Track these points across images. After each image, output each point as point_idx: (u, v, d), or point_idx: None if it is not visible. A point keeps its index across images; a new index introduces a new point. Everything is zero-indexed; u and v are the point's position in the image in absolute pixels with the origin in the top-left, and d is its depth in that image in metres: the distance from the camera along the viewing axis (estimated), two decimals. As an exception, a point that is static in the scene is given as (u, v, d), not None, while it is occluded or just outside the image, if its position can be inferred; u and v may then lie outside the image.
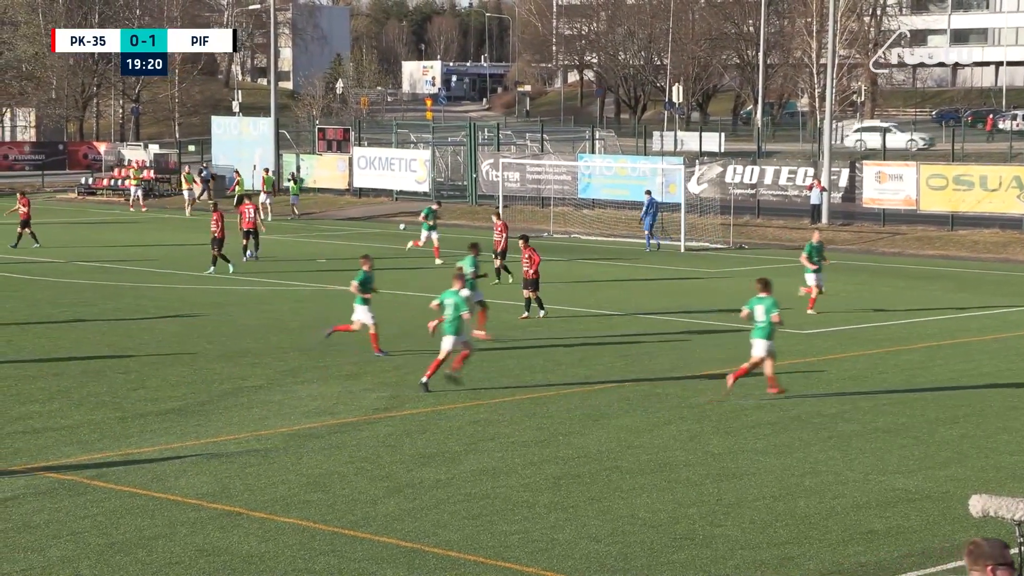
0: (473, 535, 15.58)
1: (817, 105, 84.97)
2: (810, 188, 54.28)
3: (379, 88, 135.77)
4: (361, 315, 26.66)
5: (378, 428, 20.76)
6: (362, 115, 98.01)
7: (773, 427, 20.84)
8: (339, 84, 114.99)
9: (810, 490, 17.41)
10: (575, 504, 16.82)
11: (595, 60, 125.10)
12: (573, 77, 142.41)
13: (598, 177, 57.68)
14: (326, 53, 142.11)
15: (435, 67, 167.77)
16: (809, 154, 60.95)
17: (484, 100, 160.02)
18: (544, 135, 68.67)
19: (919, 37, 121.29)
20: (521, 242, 31.86)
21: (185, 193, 63.00)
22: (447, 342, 23.38)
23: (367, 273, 26.72)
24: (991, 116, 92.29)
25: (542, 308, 31.33)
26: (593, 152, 64.39)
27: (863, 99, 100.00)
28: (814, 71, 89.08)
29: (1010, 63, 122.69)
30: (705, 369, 25.48)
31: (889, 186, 52.46)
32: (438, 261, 41.48)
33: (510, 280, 36.80)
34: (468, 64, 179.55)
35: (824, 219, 53.53)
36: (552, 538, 15.50)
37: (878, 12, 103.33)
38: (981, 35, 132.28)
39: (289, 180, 63.89)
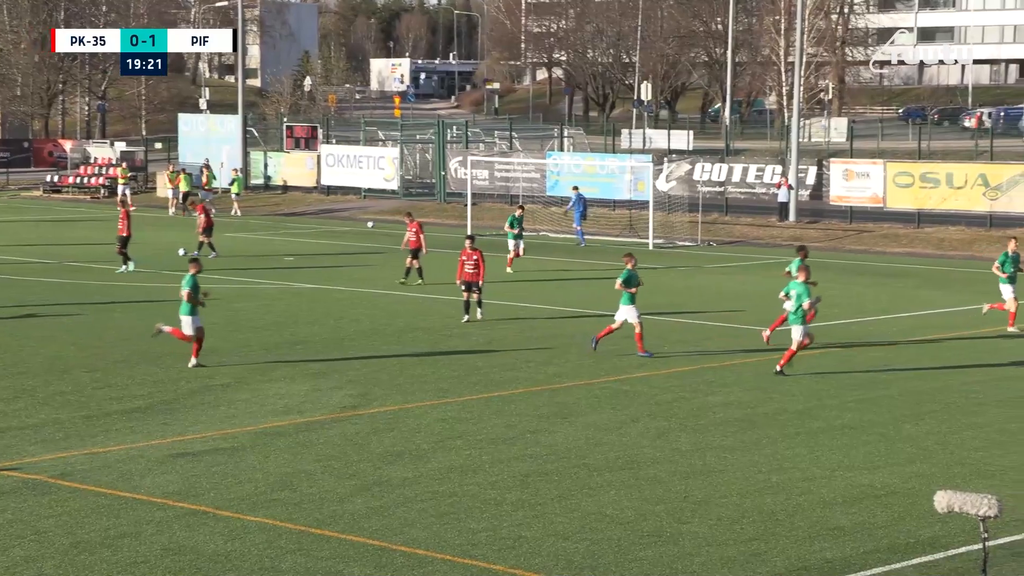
0: (440, 533, 15.57)
1: (785, 103, 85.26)
2: (778, 186, 54.47)
3: (347, 86, 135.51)
4: (626, 314, 26.31)
5: (346, 426, 20.73)
6: (330, 113, 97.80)
7: (740, 424, 20.90)
8: (307, 82, 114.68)
9: (777, 487, 17.47)
10: (543, 501, 16.83)
11: (564, 58, 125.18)
12: (542, 75, 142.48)
13: (567, 175, 57.73)
14: (294, 50, 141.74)
15: (404, 64, 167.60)
16: (777, 152, 61.16)
17: (453, 98, 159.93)
18: (513, 133, 68.68)
19: (886, 35, 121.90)
20: (468, 243, 30.89)
21: (169, 192, 62.54)
22: (796, 331, 24.19)
23: (631, 271, 26.43)
24: (979, 114, 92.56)
25: (480, 308, 30.39)
26: (562, 150, 64.45)
27: (831, 97, 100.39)
28: (782, 69, 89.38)
29: (976, 61, 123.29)
30: (675, 366, 25.52)
31: (856, 184, 52.69)
32: (509, 270, 39.59)
33: (419, 282, 36.45)
34: (437, 62, 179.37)
35: (792, 217, 53.73)
36: (519, 535, 15.51)
37: (845, 10, 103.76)
38: (947, 33, 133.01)
39: (233, 177, 62.63)
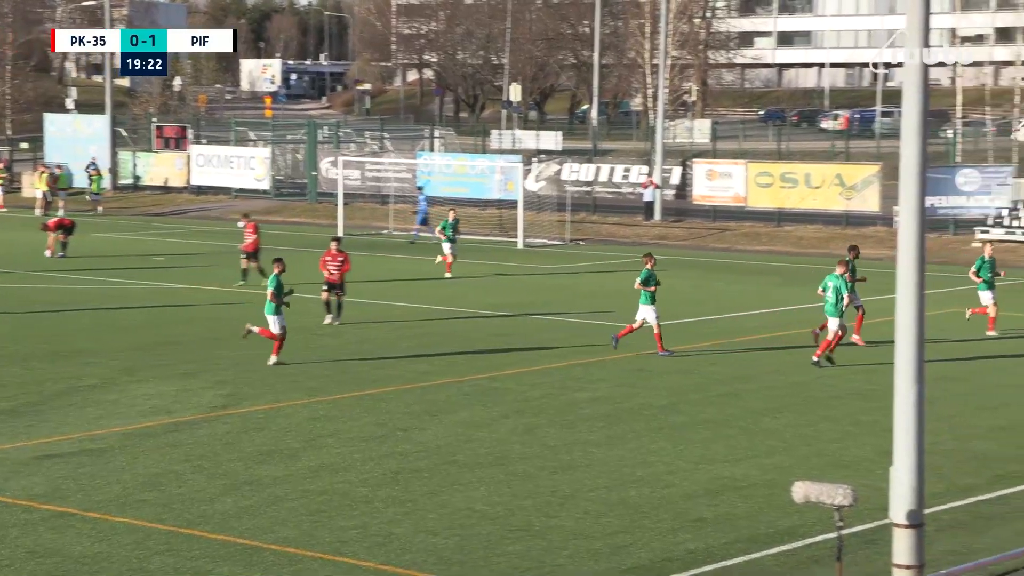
0: (311, 531, 15.47)
1: (650, 104, 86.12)
2: (644, 186, 55.01)
3: (218, 86, 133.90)
4: (645, 313, 26.20)
5: (216, 426, 20.49)
6: (200, 113, 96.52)
7: (607, 420, 21.07)
8: (176, 82, 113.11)
9: (642, 480, 17.65)
10: (413, 498, 16.81)
11: (434, 59, 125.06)
12: (413, 76, 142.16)
13: (438, 175, 57.68)
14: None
15: (274, 65, 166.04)
16: (643, 152, 61.75)
17: (324, 98, 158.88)
18: (384, 133, 68.41)
19: (746, 39, 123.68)
20: (333, 244, 30.14)
21: (37, 192, 61.02)
22: (832, 323, 24.95)
23: (650, 271, 26.28)
24: (847, 116, 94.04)
25: (339, 314, 29.70)
26: (433, 150, 64.37)
27: (694, 99, 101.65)
28: (647, 71, 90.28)
29: (832, 65, 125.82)
30: (542, 363, 25.64)
31: (719, 183, 53.42)
32: (448, 275, 38.26)
33: (264, 284, 35.83)
34: (308, 62, 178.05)
35: (657, 216, 54.28)
36: (390, 532, 15.47)
37: (708, 14, 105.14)
38: (805, 38, 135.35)
39: (90, 175, 61.21)
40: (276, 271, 25.81)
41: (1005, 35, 72.52)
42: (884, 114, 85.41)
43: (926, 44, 12.92)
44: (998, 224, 46.78)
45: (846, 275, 25.79)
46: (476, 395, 22.80)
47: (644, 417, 21.26)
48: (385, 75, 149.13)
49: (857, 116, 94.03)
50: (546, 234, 50.73)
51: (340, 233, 50.50)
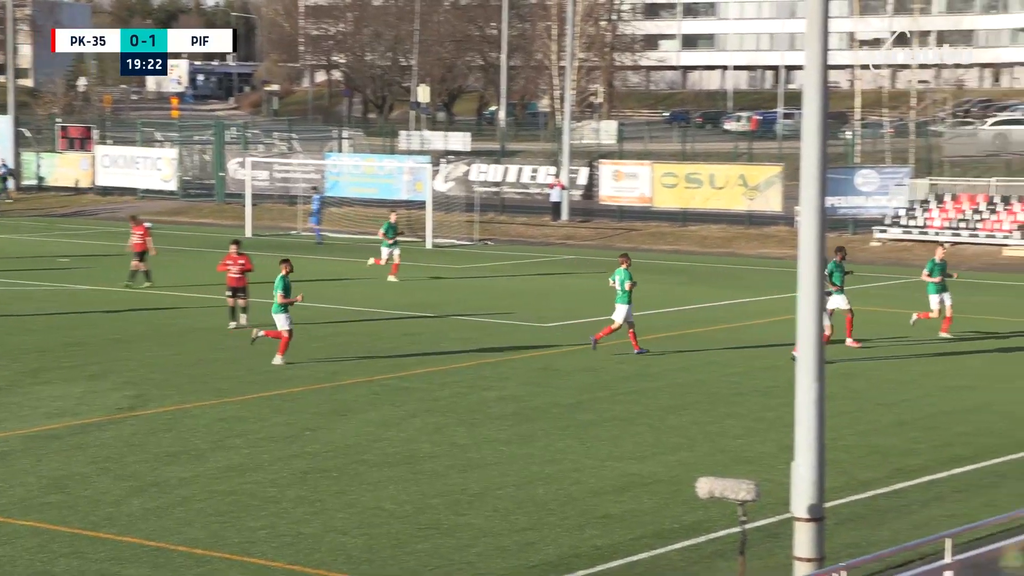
0: (219, 532, 15.33)
1: (557, 106, 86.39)
2: (551, 186, 55.19)
3: (123, 87, 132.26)
4: (622, 312, 26.33)
5: (122, 428, 20.23)
6: (106, 113, 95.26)
7: (515, 418, 21.10)
8: (81, 82, 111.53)
9: (550, 478, 17.70)
10: (322, 498, 16.72)
11: (342, 60, 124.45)
12: (321, 77, 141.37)
13: (346, 176, 57.44)
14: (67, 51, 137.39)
15: (181, 66, 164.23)
16: (550, 153, 61.94)
17: (231, 99, 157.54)
18: (292, 134, 67.97)
19: (651, 42, 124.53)
20: (233, 247, 29.66)
21: None
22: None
23: (626, 271, 26.54)
24: (755, 118, 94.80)
25: (243, 315, 29.01)
26: (341, 151, 64.06)
27: (601, 100, 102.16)
28: (554, 73, 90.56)
29: (735, 67, 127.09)
30: (451, 363, 25.62)
31: (625, 184, 53.73)
32: (392, 278, 37.58)
33: (146, 285, 35.69)
34: (215, 63, 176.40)
35: (565, 216, 54.47)
36: (299, 532, 15.38)
37: (613, 17, 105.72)
38: (709, 41, 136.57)
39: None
40: (284, 272, 25.72)
41: (901, 39, 73.76)
42: (786, 116, 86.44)
43: (826, 47, 13.10)
44: (895, 224, 47.54)
45: (843, 262, 26.64)
46: (385, 395, 22.73)
47: (552, 415, 21.32)
48: (293, 76, 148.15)
49: (759, 117, 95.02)
50: (454, 234, 50.72)
51: (248, 234, 50.19)
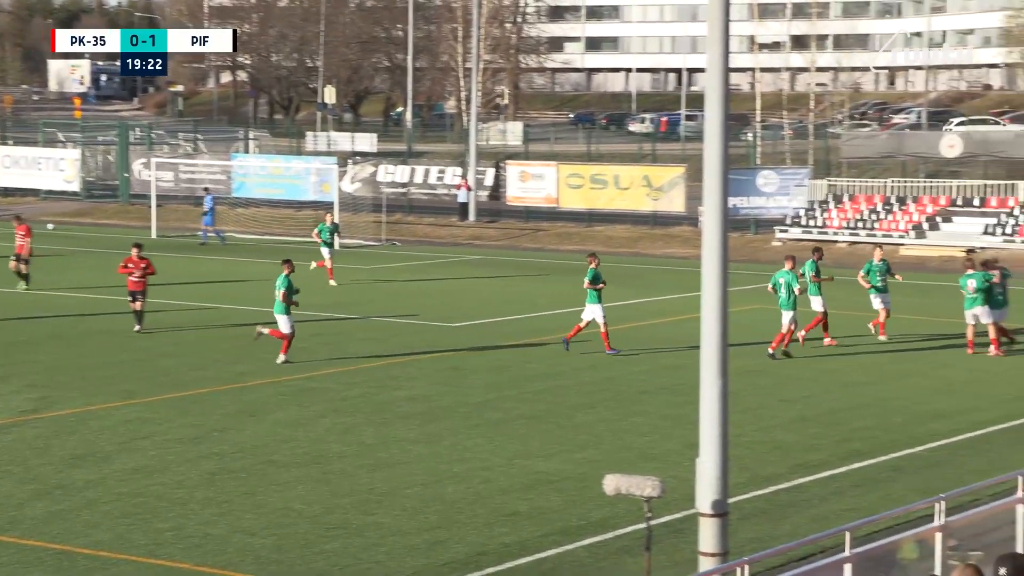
0: (125, 534, 15.15)
1: (464, 107, 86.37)
2: (458, 187, 55.19)
3: (24, 87, 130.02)
4: (593, 312, 26.30)
5: (25, 430, 19.91)
6: (6, 113, 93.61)
7: (423, 417, 21.08)
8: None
9: (458, 476, 17.70)
10: (229, 499, 16.58)
11: (248, 61, 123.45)
12: (226, 78, 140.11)
13: (253, 176, 56.98)
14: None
15: (83, 66, 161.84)
16: (457, 154, 61.92)
17: (136, 99, 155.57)
18: (198, 135, 67.27)
19: (556, 44, 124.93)
20: (135, 250, 28.70)
21: None
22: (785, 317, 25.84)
23: (596, 270, 26.34)
24: (665, 119, 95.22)
25: (140, 323, 28.24)
26: (247, 152, 63.51)
27: (507, 102, 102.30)
28: (460, 75, 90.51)
29: (639, 69, 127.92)
30: (359, 363, 25.53)
31: (532, 185, 53.87)
32: (332, 283, 36.54)
33: (23, 288, 35.06)
34: (118, 63, 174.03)
35: (472, 216, 54.49)
36: (206, 533, 15.24)
37: (518, 19, 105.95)
38: (612, 43, 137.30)
39: None
40: (286, 272, 25.67)
41: (799, 42, 74.67)
42: (688, 118, 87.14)
43: (727, 51, 13.24)
44: (796, 224, 48.15)
45: (795, 271, 26.62)
46: (293, 395, 22.60)
47: (460, 414, 21.33)
48: (198, 77, 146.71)
49: (663, 119, 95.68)
50: (362, 235, 50.51)
51: (154, 235, 49.60)
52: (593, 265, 26.76)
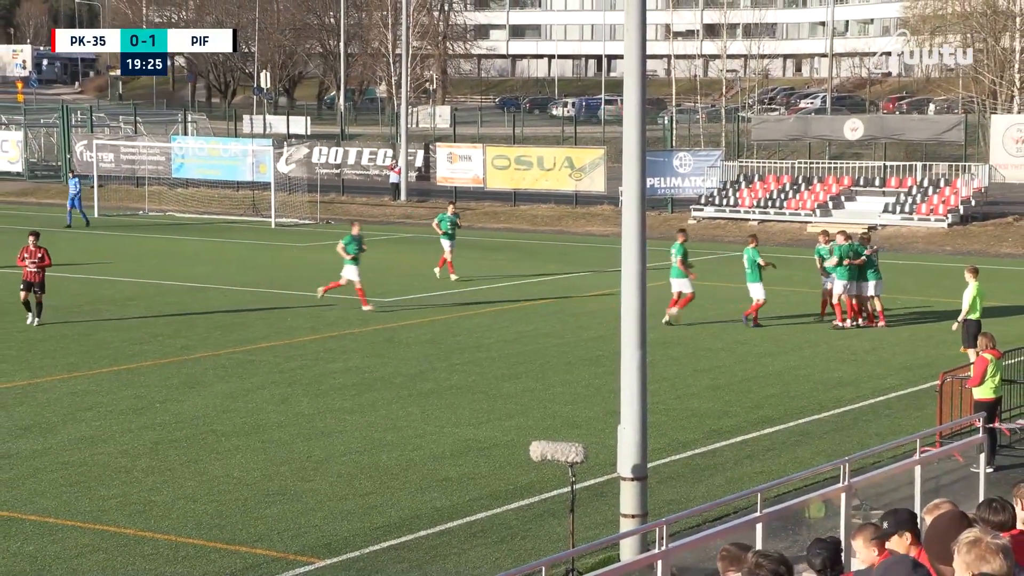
0: (71, 501, 14.99)
1: (394, 92, 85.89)
2: (390, 168, 54.98)
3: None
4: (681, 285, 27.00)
5: (-27, 403, 19.60)
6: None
7: (358, 388, 21.02)
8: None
9: (392, 444, 17.68)
10: (172, 467, 16.45)
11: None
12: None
13: (192, 158, 56.36)
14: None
15: (25, 51, 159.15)
16: (388, 136, 61.59)
17: (77, 83, 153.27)
18: (137, 117, 66.42)
19: (482, 31, 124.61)
20: (31, 239, 26.29)
21: None
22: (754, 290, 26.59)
23: (683, 246, 27.33)
24: (586, 104, 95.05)
25: (39, 313, 25.92)
26: (186, 134, 62.82)
27: (435, 87, 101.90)
28: (390, 60, 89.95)
29: (560, 56, 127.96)
30: (296, 336, 25.39)
31: (460, 166, 53.74)
32: (453, 277, 33.10)
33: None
34: (61, 51, 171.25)
35: (403, 196, 54.29)
36: (150, 500, 15.11)
37: (446, 7, 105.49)
38: (535, 31, 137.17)
39: None
40: (354, 232, 28.44)
41: (712, 31, 75.01)
42: (608, 102, 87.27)
43: (644, 39, 13.27)
44: (710, 203, 48.46)
45: (757, 246, 27.23)
46: (233, 367, 22.44)
47: (394, 385, 21.29)
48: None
49: (584, 103, 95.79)
50: (297, 214, 50.19)
51: (96, 214, 48.96)
52: (681, 240, 27.71)
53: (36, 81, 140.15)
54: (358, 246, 28.36)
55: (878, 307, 27.19)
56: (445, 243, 33.83)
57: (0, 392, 20.35)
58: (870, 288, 27.07)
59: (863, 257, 26.93)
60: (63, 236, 42.50)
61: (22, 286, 26.10)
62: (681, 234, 28.22)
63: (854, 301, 26.93)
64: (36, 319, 25.87)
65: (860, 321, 26.93)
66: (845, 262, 26.67)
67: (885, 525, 8.02)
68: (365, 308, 27.76)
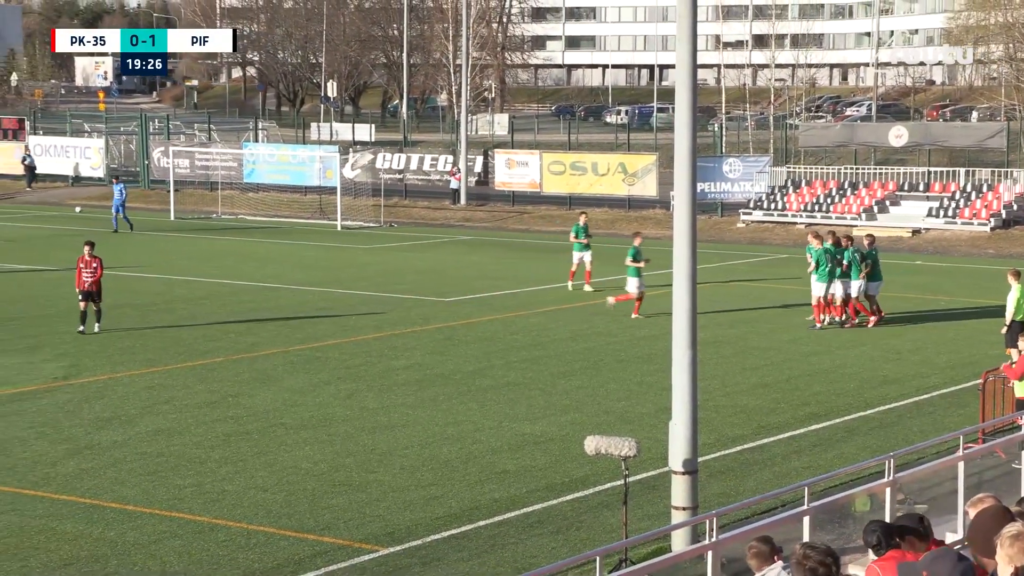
0: (149, 490, 15.15)
1: (454, 100, 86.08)
2: (451, 174, 55.09)
3: (53, 81, 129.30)
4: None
5: (58, 395, 19.88)
6: (37, 106, 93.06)
7: (419, 384, 21.08)
8: (13, 77, 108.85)
9: (452, 438, 17.72)
10: (244, 458, 16.58)
11: (257, 58, 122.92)
12: (237, 73, 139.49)
13: (262, 163, 56.78)
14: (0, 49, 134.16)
15: (107, 62, 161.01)
16: (448, 143, 61.71)
17: (154, 93, 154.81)
18: (211, 125, 67.00)
19: (539, 42, 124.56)
20: (87, 249, 25.34)
21: None
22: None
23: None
24: (639, 112, 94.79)
25: (98, 320, 25.03)
26: (257, 141, 63.29)
27: (494, 95, 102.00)
28: (451, 70, 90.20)
29: (614, 66, 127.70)
30: (361, 334, 25.51)
31: (517, 171, 53.75)
32: (587, 287, 31.35)
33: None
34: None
35: (463, 200, 54.39)
36: (223, 489, 15.24)
37: (504, 20, 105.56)
38: (590, 42, 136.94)
39: None
40: (636, 242, 27.72)
41: (760, 41, 74.56)
42: (660, 110, 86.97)
43: (695, 49, 13.22)
44: (758, 207, 48.16)
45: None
46: (301, 363, 22.58)
47: (454, 381, 21.33)
48: (211, 72, 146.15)
49: (637, 111, 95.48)
50: (362, 217, 50.42)
51: (172, 217, 49.43)
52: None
53: (117, 91, 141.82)
54: (636, 256, 27.39)
55: (865, 306, 26.75)
56: (578, 255, 31.78)
57: (82, 386, 20.61)
58: (853, 288, 26.62)
59: (838, 258, 26.64)
60: (136, 239, 42.98)
61: (80, 296, 24.91)
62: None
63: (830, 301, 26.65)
64: (96, 325, 24.86)
65: (842, 320, 26.61)
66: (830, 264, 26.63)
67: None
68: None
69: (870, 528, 8.23)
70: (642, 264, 27.51)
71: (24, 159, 61.65)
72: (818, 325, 26.41)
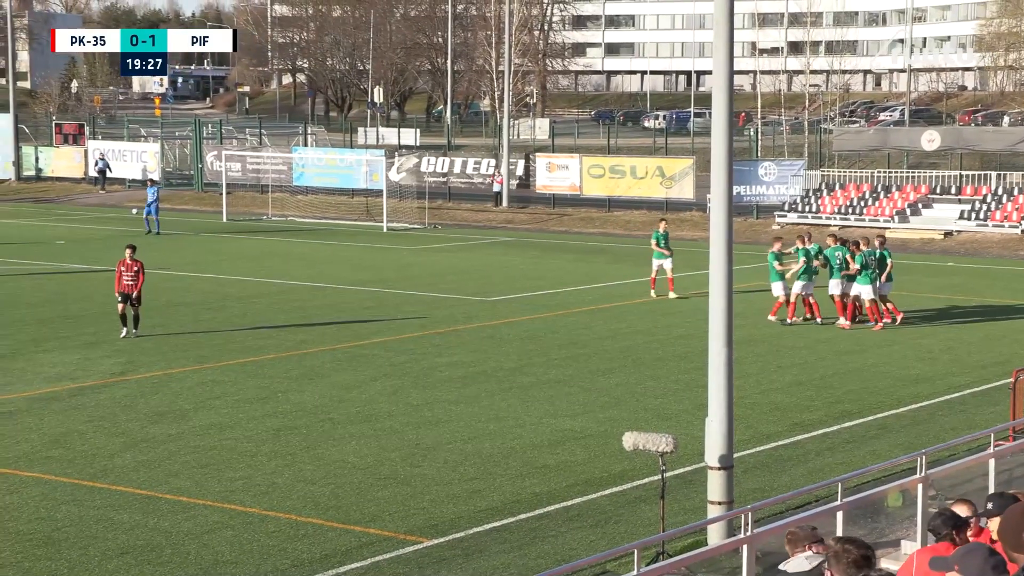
0: (202, 482, 15.25)
1: (497, 105, 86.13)
2: (492, 177, 55.12)
3: (111, 88, 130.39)
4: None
5: (115, 390, 20.04)
6: (96, 112, 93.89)
7: (463, 381, 21.10)
8: (74, 84, 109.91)
9: (494, 433, 17.72)
10: (293, 452, 16.66)
11: (306, 65, 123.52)
12: (287, 79, 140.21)
13: (311, 167, 57.05)
14: (61, 56, 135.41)
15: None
16: (491, 147, 61.76)
17: (208, 99, 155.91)
18: (262, 130, 67.40)
19: (579, 49, 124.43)
20: (128, 252, 24.69)
21: None
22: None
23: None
24: (676, 116, 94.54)
25: (136, 326, 24.48)
26: (306, 145, 63.58)
27: (535, 101, 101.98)
28: (494, 76, 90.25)
29: (653, 72, 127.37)
30: (406, 332, 25.57)
31: (558, 175, 53.71)
32: (672, 294, 30.16)
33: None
34: (192, 67, 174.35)
35: (504, 203, 54.40)
36: (272, 482, 15.32)
37: (545, 27, 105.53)
38: (629, 48, 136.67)
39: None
40: (775, 248, 26.80)
41: (795, 48, 74.13)
42: (697, 115, 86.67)
43: (731, 55, 13.15)
44: (793, 209, 47.89)
45: (780, 249, 26.96)
46: (347, 361, 22.65)
47: (495, 378, 21.34)
48: (262, 79, 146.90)
49: (674, 116, 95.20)
50: (407, 219, 50.54)
51: (224, 219, 49.75)
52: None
53: (172, 97, 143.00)
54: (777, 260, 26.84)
55: (872, 307, 26.51)
56: (657, 262, 30.62)
57: (138, 382, 20.77)
58: (855, 288, 26.44)
59: (822, 259, 26.61)
60: (191, 240, 43.25)
61: (119, 298, 24.38)
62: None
63: (811, 299, 26.64)
64: (133, 331, 24.31)
65: (813, 317, 26.55)
66: (815, 263, 26.59)
67: (990, 506, 7.97)
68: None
69: (939, 513, 8.33)
70: (787, 267, 26.64)
71: (97, 163, 62.20)
72: (792, 321, 26.36)
